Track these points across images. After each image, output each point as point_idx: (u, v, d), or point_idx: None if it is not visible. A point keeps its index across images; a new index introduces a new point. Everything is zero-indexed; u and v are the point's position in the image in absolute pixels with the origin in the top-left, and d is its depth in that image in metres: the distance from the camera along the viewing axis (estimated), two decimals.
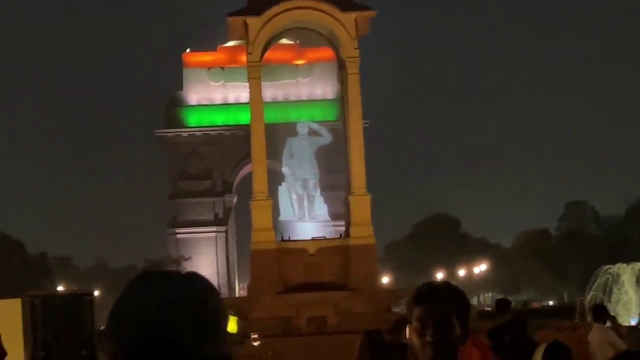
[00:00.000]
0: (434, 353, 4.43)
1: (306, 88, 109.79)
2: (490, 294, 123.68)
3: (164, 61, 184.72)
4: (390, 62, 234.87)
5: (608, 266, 47.31)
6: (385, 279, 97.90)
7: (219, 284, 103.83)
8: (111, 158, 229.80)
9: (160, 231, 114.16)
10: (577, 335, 24.12)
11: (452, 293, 4.56)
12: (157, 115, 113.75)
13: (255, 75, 45.79)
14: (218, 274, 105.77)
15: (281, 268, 43.04)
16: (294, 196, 48.87)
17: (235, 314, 42.41)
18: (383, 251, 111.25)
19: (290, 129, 52.10)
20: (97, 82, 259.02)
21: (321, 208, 49.23)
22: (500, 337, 16.55)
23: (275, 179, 50.56)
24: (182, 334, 2.47)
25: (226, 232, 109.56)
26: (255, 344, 35.26)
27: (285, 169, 49.84)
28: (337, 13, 44.81)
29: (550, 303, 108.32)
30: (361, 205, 45.23)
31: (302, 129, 50.65)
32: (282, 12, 45.20)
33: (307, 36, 54.01)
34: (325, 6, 44.74)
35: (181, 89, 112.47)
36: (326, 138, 50.52)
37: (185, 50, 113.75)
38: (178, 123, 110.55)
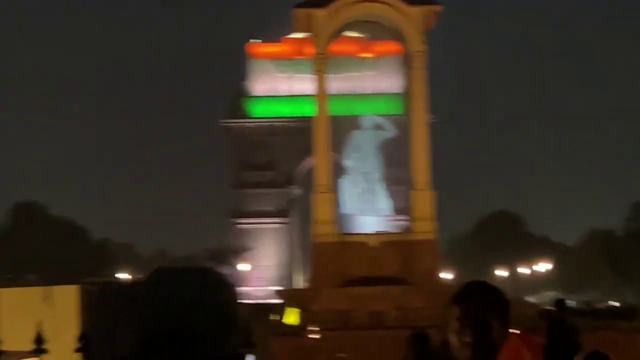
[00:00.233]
0: (472, 353, 4.38)
1: (372, 81, 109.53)
2: (554, 293, 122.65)
3: (227, 52, 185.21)
4: (466, 55, 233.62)
5: None
6: (449, 275, 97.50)
7: (281, 275, 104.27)
8: (175, 148, 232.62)
9: (219, 221, 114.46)
10: (633, 338, 23.80)
11: (489, 292, 4.54)
12: (214, 105, 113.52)
13: (321, 67, 45.85)
14: (281, 265, 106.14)
15: (342, 261, 43.03)
16: (357, 189, 48.75)
17: (297, 306, 42.47)
18: (447, 246, 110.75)
19: (354, 122, 52.01)
20: (159, 73, 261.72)
21: (385, 202, 49.03)
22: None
23: (337, 172, 50.45)
24: (196, 329, 2.48)
25: (290, 224, 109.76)
26: (315, 336, 35.28)
27: (348, 162, 49.76)
28: (404, 6, 44.65)
29: (614, 304, 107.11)
30: (424, 200, 45.05)
31: (366, 123, 50.55)
32: (347, 4, 45.15)
33: (371, 29, 53.92)
34: None
35: (244, 79, 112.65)
36: (390, 132, 50.35)
37: (249, 41, 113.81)
38: (242, 113, 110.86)
